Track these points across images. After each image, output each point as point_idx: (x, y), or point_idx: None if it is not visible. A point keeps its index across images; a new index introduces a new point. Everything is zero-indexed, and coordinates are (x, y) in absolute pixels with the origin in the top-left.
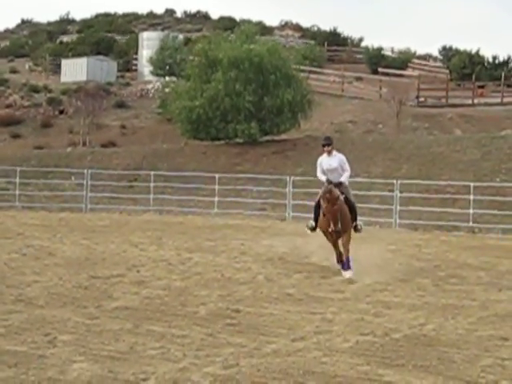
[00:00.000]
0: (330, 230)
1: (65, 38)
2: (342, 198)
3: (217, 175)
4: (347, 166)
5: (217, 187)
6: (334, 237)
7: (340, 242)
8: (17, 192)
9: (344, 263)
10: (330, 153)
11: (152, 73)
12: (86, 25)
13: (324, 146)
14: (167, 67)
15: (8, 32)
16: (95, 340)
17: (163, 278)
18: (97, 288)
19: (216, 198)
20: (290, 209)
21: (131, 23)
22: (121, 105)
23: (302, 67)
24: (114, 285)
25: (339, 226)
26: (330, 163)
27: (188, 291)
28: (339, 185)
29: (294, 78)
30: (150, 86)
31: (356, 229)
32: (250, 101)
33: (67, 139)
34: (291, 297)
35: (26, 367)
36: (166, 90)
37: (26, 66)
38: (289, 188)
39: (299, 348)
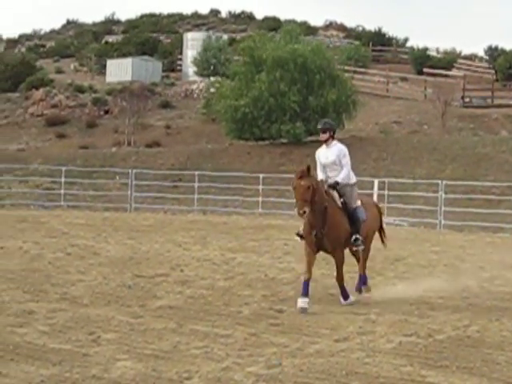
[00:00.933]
0: (297, 212)
1: (110, 39)
2: (327, 189)
3: (261, 175)
4: (346, 160)
5: (261, 187)
6: (311, 244)
7: (313, 260)
8: (62, 191)
9: (344, 292)
10: (327, 142)
11: (196, 73)
12: (131, 25)
13: (320, 131)
14: (211, 67)
15: (54, 32)
16: (139, 339)
17: (207, 278)
18: (141, 287)
19: (260, 199)
20: None
21: (176, 24)
22: (165, 105)
23: (347, 67)
24: (157, 284)
25: (306, 209)
26: (327, 155)
27: (231, 291)
28: (335, 186)
29: (339, 78)
30: (194, 86)
31: (355, 243)
32: (295, 101)
33: (112, 139)
34: (334, 297)
35: (70, 365)
36: (211, 90)
37: (72, 67)
38: None
39: (342, 348)
